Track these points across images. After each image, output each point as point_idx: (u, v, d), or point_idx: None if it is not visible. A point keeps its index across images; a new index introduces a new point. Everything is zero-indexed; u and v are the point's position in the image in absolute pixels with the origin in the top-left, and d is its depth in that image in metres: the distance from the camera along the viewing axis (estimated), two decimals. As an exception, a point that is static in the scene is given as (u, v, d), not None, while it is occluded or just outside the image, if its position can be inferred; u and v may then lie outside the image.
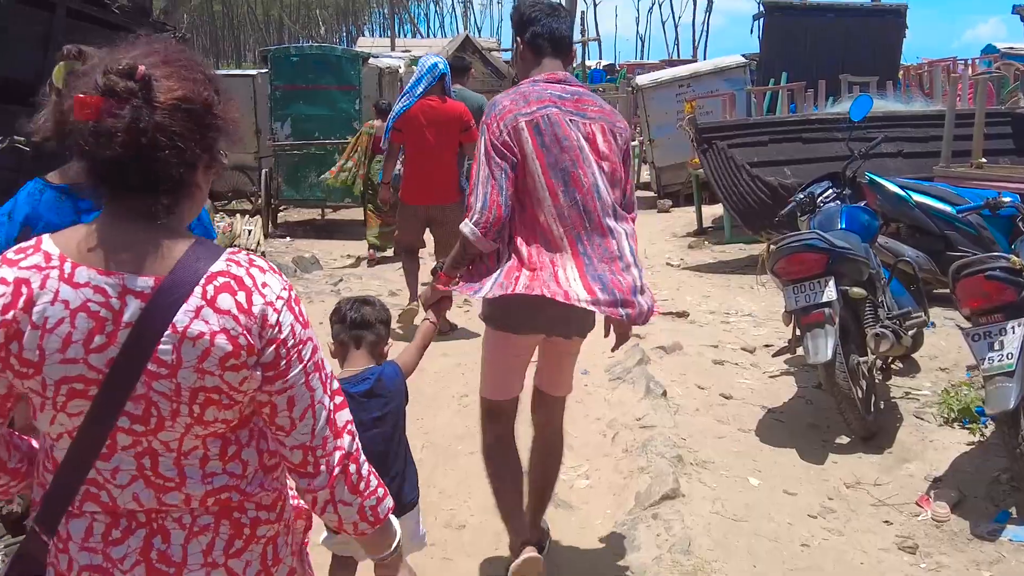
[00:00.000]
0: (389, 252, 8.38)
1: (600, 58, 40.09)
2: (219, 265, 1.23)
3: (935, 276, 5.22)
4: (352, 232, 10.38)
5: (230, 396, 1.23)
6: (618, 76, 27.49)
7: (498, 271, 2.59)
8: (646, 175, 15.08)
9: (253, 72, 10.79)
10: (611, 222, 2.63)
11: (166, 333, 1.18)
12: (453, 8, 75.38)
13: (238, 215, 11.39)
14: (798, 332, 4.12)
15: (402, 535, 1.52)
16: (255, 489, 1.32)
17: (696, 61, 34.40)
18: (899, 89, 13.20)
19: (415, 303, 5.50)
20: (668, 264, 8.51)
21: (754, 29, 15.65)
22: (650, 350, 5.29)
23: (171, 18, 11.32)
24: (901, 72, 14.96)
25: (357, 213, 10.47)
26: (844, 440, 4.07)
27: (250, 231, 10.17)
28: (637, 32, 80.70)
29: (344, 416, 1.35)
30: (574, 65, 3.51)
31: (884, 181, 5.83)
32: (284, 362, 1.26)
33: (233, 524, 1.31)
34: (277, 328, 1.24)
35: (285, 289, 1.28)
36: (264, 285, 1.25)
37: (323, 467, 1.31)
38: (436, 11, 75.42)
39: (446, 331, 5.46)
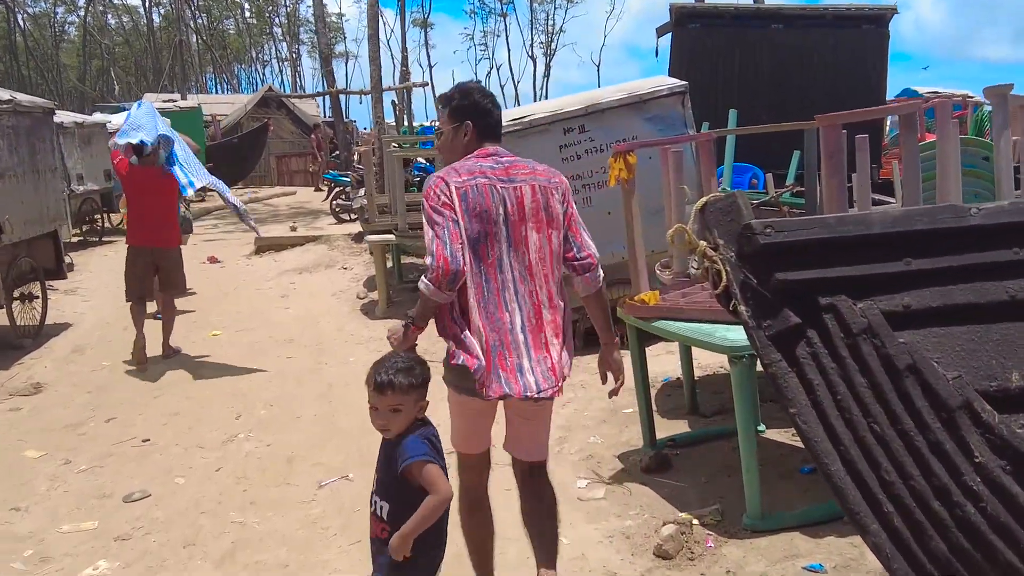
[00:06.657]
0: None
1: (433, 118, 34.86)
2: None
3: None
4: None
5: None
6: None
7: (465, 345, 2.77)
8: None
9: None
10: (509, 296, 2.79)
11: None
12: (259, 69, 67.82)
13: None
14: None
15: None
16: None
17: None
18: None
19: (142, 337, 6.95)
20: None
21: (658, 50, 10.12)
22: None
23: None
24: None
25: None
26: None
27: None
28: (474, 94, 76.28)
29: None
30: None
31: None
32: None
33: None
34: None
35: None
36: None
37: None
38: (246, 71, 67.74)
39: (170, 355, 7.16)
